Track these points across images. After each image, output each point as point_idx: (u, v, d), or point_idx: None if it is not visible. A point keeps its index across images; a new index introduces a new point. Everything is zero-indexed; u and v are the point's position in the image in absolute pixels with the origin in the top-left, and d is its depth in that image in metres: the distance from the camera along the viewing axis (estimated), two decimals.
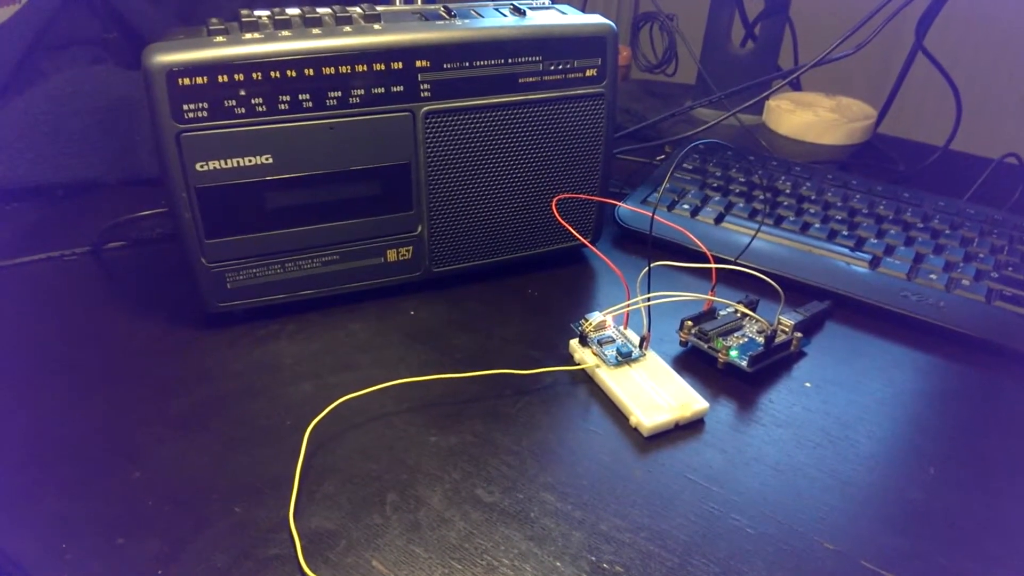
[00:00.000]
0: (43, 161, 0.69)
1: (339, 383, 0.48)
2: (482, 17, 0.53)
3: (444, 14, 0.53)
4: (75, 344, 0.52)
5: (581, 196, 0.59)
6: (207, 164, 0.47)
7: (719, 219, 0.65)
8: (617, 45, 0.56)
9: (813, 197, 0.68)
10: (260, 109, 0.47)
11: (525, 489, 0.42)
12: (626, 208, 0.67)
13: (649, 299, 0.49)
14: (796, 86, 0.96)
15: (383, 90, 0.49)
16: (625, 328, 0.52)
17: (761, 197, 0.68)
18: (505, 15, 0.54)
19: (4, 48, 0.73)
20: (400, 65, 0.49)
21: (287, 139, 0.48)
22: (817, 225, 0.64)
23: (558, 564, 0.37)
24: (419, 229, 0.55)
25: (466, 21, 0.52)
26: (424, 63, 0.50)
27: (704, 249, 0.54)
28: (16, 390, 0.48)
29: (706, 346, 0.50)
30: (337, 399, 0.45)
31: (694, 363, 0.51)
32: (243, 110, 0.46)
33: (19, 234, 0.65)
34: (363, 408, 0.46)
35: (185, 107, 0.45)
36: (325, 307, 0.55)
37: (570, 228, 0.55)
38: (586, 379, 0.50)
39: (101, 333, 0.53)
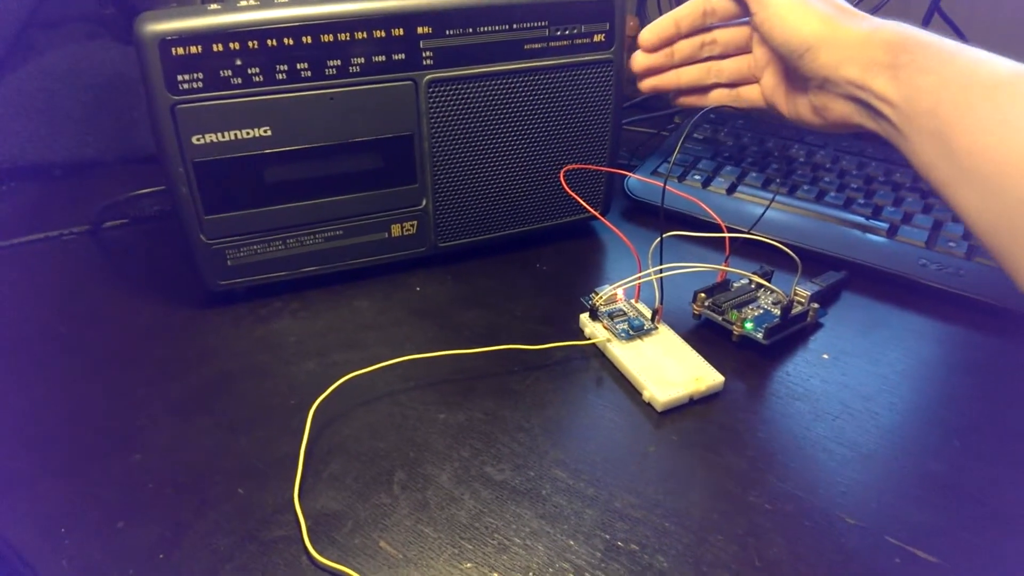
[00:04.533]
0: (39, 140, 0.68)
1: (344, 361, 0.47)
2: None
3: None
4: (74, 325, 0.51)
5: (590, 167, 0.57)
6: (204, 137, 0.46)
7: (732, 189, 0.64)
8: (625, 9, 0.54)
9: (828, 165, 0.67)
10: (257, 79, 0.45)
11: (536, 467, 0.40)
12: (636, 179, 0.65)
13: (661, 271, 0.48)
14: None
15: (384, 58, 0.48)
16: (636, 301, 0.51)
17: (775, 166, 0.67)
18: None
19: None
20: (401, 32, 0.47)
21: (286, 110, 0.47)
22: (833, 193, 0.62)
23: (571, 543, 0.36)
24: (424, 203, 0.54)
25: None
26: (426, 29, 0.48)
27: (717, 219, 0.53)
28: (14, 372, 0.47)
29: (720, 318, 0.49)
30: (342, 377, 0.44)
31: (708, 336, 0.50)
32: (239, 80, 0.45)
33: (16, 214, 0.64)
34: (369, 386, 0.45)
35: (180, 78, 0.44)
36: (328, 284, 0.54)
37: (579, 199, 0.54)
38: (597, 354, 0.48)
39: (100, 313, 0.52)
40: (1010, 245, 0.40)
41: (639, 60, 0.57)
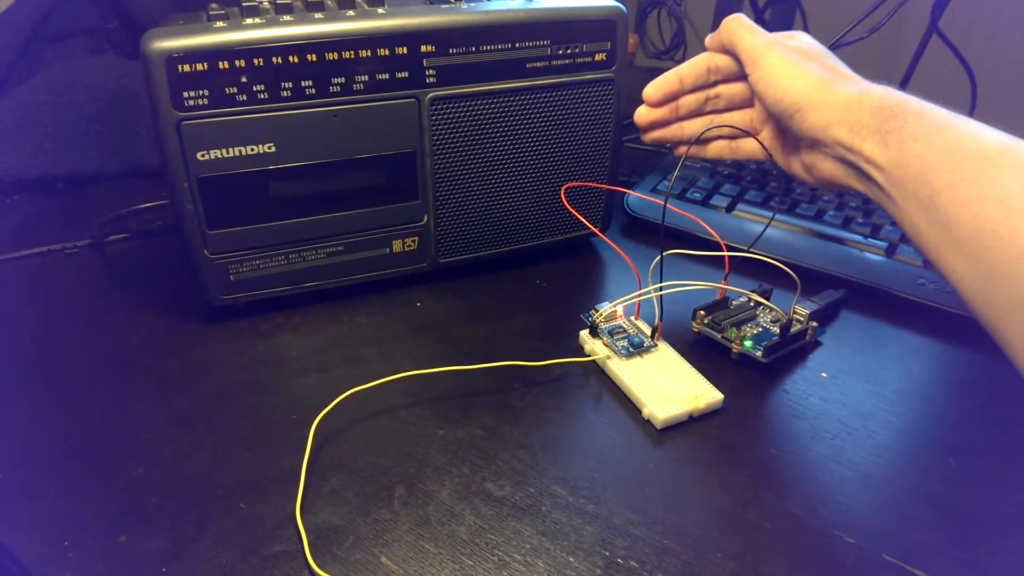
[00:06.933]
0: (43, 153, 0.68)
1: (345, 376, 0.47)
2: (488, 0, 0.52)
3: None
4: (76, 339, 0.51)
5: (590, 184, 0.58)
6: (208, 153, 0.46)
7: (731, 207, 0.64)
8: (627, 29, 0.54)
9: None
10: (262, 96, 0.46)
11: (536, 483, 0.41)
12: (636, 196, 0.66)
13: (661, 288, 0.48)
14: None
15: (387, 76, 0.48)
16: (636, 318, 0.51)
17: (774, 184, 0.67)
18: None
19: (3, 38, 0.72)
20: (405, 50, 0.48)
21: (290, 127, 0.47)
22: (831, 212, 0.62)
23: (571, 559, 0.37)
24: (425, 219, 0.54)
25: (472, 4, 0.50)
26: (429, 48, 0.49)
27: (717, 237, 0.53)
28: (17, 385, 0.47)
29: (719, 336, 0.49)
30: (343, 392, 0.44)
31: (707, 353, 0.50)
32: (245, 97, 0.45)
33: (19, 227, 0.64)
34: (370, 401, 0.45)
35: (185, 94, 0.44)
36: (330, 299, 0.54)
37: (580, 216, 0.54)
38: (597, 371, 0.49)
39: (102, 327, 0.52)
40: (1003, 320, 0.40)
41: (643, 114, 0.57)
